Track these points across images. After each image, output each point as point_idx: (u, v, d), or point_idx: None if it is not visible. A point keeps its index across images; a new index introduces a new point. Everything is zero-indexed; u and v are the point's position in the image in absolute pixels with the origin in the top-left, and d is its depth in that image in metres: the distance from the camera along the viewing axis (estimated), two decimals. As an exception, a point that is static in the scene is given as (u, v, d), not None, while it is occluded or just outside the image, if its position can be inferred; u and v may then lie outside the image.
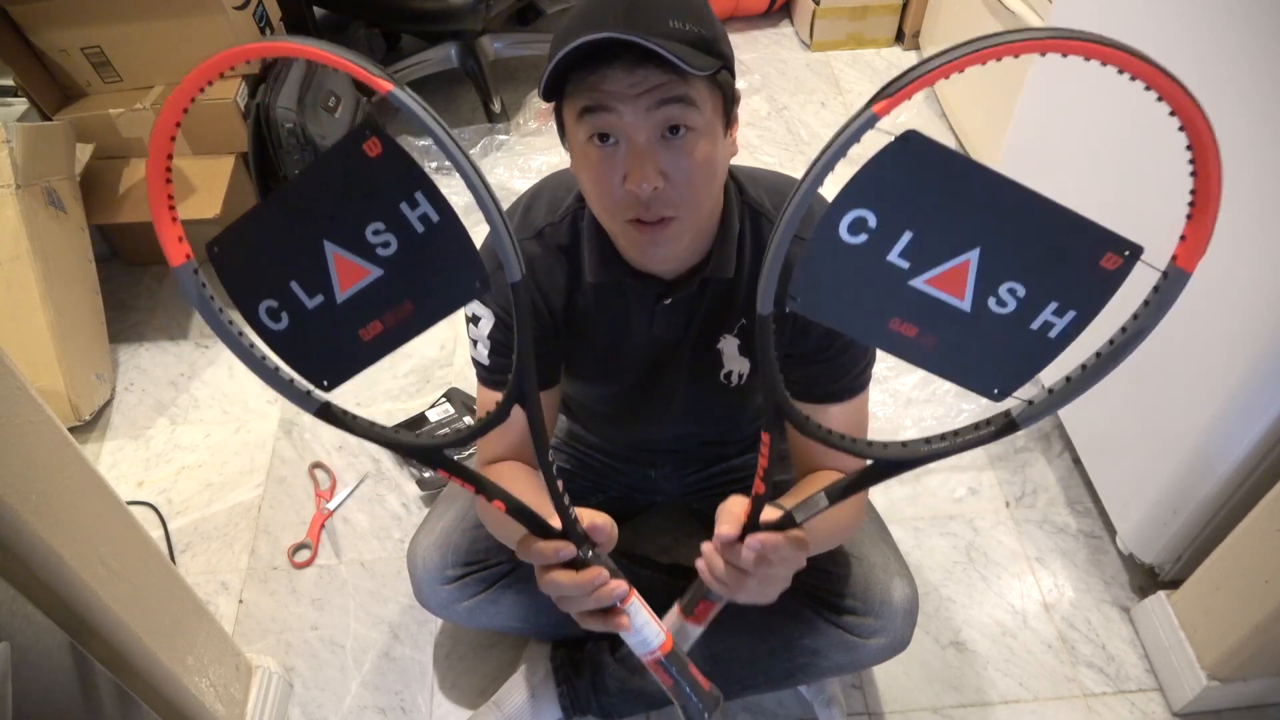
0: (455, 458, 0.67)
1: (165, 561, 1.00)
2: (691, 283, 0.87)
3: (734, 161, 0.84)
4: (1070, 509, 1.42)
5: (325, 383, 0.62)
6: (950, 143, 2.12)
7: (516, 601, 1.12)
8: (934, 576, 1.34)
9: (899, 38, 2.47)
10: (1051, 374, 0.56)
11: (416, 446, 0.65)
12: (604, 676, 1.13)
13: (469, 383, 1.65)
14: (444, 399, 1.61)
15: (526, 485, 0.85)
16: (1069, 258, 0.52)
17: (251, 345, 0.62)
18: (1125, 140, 1.20)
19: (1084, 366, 0.54)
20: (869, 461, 0.62)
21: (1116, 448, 1.30)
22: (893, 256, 0.53)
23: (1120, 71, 0.48)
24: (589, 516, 0.71)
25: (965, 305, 0.54)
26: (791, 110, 2.28)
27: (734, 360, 0.95)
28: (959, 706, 1.20)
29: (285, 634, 1.33)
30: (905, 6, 2.40)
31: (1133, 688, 1.21)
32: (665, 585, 1.22)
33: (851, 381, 0.89)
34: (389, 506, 1.48)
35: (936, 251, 0.53)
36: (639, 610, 0.72)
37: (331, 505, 1.48)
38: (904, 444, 0.61)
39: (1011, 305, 0.53)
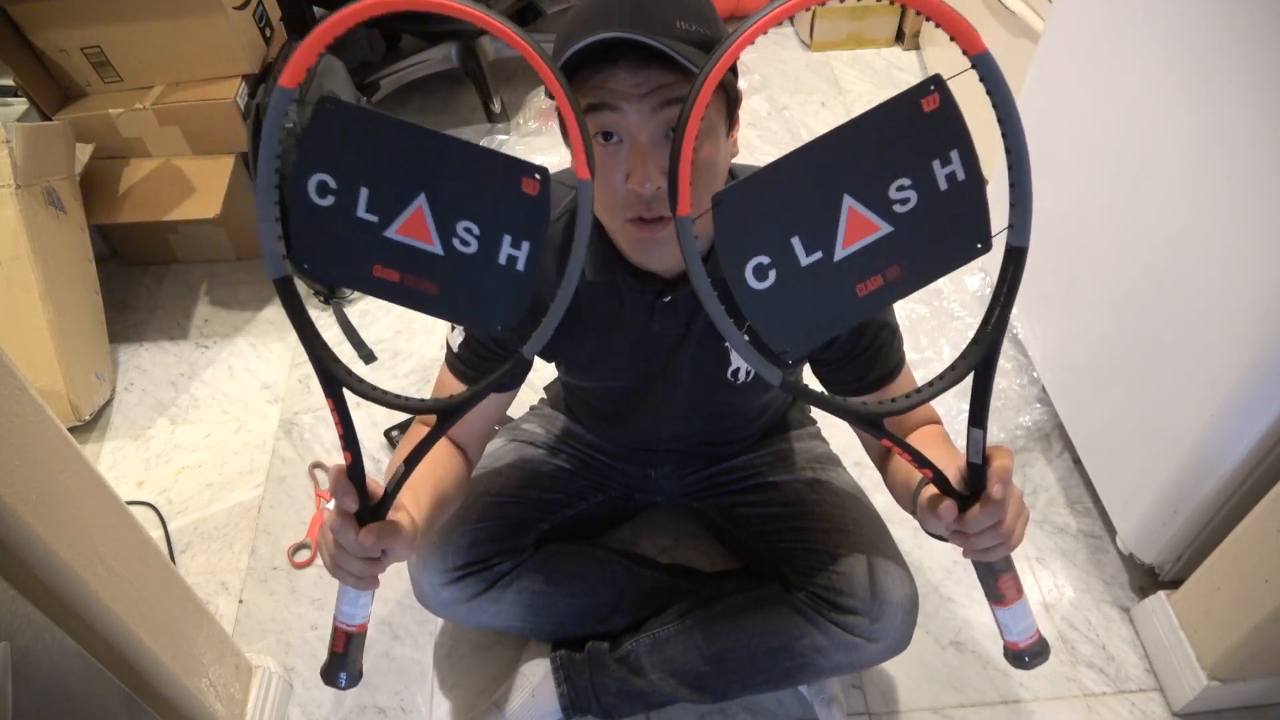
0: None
1: (165, 561, 0.99)
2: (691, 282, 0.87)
3: (734, 161, 0.85)
4: (1070, 509, 1.42)
5: (305, 266, 0.62)
6: (950, 143, 2.12)
7: (516, 601, 1.12)
8: (934, 576, 1.34)
9: (899, 38, 2.47)
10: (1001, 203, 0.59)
11: (325, 368, 0.66)
12: (604, 676, 1.13)
13: (469, 383, 1.65)
14: (444, 399, 1.61)
15: (430, 460, 0.89)
16: (905, 133, 0.56)
17: (276, 188, 0.61)
18: (1123, 139, 1.20)
19: (1009, 166, 0.57)
20: (971, 374, 0.65)
21: (1116, 448, 1.30)
22: (805, 260, 0.57)
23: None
24: (395, 512, 0.74)
25: (888, 228, 0.57)
26: (791, 110, 2.28)
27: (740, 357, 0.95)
28: (959, 706, 1.20)
29: (285, 634, 1.33)
30: (905, 6, 2.40)
31: (1133, 688, 1.21)
32: (665, 585, 1.22)
33: (894, 362, 0.93)
34: (389, 506, 1.48)
35: (826, 225, 0.56)
36: (370, 594, 0.77)
37: (332, 505, 1.47)
38: (976, 341, 0.63)
39: (913, 196, 0.57)
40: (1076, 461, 1.45)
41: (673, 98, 0.71)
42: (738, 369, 0.96)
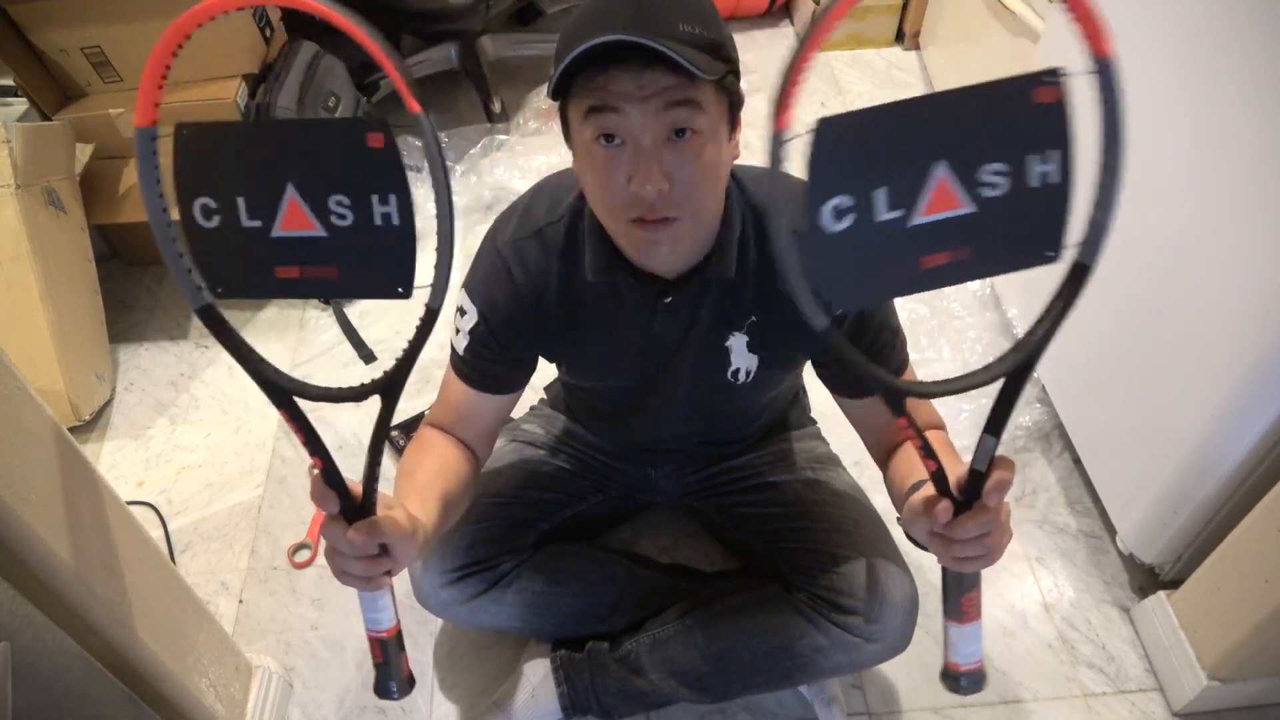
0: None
1: (165, 561, 1.00)
2: (692, 283, 0.87)
3: (736, 163, 0.85)
4: (1070, 509, 1.42)
5: (219, 289, 0.63)
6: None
7: (517, 602, 1.12)
8: (934, 577, 1.34)
9: (899, 38, 2.47)
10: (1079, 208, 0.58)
11: (270, 381, 0.65)
12: (604, 676, 1.13)
13: (469, 383, 1.65)
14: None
15: (427, 458, 0.92)
16: (1011, 116, 0.54)
17: (169, 225, 0.62)
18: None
19: (1101, 184, 0.57)
20: (1002, 380, 0.63)
21: (1116, 448, 1.30)
22: (883, 215, 0.55)
23: None
24: (389, 508, 0.73)
25: (970, 208, 0.55)
26: (791, 110, 2.28)
27: (742, 357, 0.95)
28: (959, 706, 1.20)
29: (285, 634, 1.33)
30: (905, 6, 2.40)
31: (1133, 688, 1.21)
32: (665, 585, 1.22)
33: (896, 364, 0.94)
34: (389, 506, 1.48)
35: (913, 186, 0.55)
36: (387, 594, 0.76)
37: (331, 505, 1.48)
38: (1016, 347, 0.62)
39: (1004, 184, 0.55)
40: (1076, 461, 1.45)
41: (675, 100, 0.71)
42: (738, 369, 0.96)
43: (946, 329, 1.65)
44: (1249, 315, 0.99)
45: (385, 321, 1.77)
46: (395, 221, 0.60)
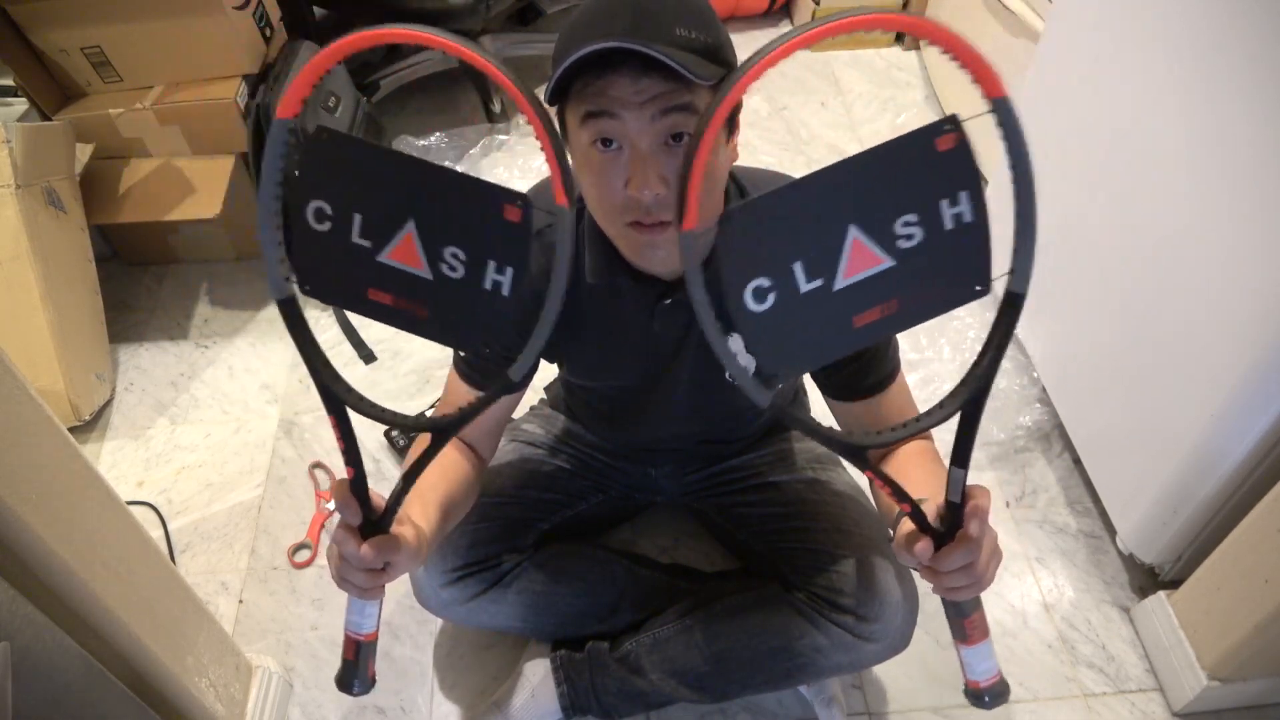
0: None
1: (165, 561, 0.99)
2: None
3: (736, 164, 0.85)
4: (1070, 509, 1.42)
5: (307, 287, 0.64)
6: (950, 143, 2.11)
7: (517, 601, 1.12)
8: (934, 576, 1.34)
9: (899, 38, 2.47)
10: (1005, 244, 0.59)
11: (327, 387, 0.69)
12: (604, 676, 1.13)
13: (469, 383, 1.65)
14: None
15: (439, 465, 0.91)
16: (914, 168, 0.56)
17: (277, 213, 0.62)
18: (1123, 139, 1.20)
19: (1017, 214, 0.56)
20: (958, 414, 0.64)
21: (1116, 448, 1.30)
22: (804, 287, 0.57)
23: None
24: (403, 528, 0.76)
25: (890, 262, 0.57)
26: (791, 110, 2.28)
27: (741, 357, 0.95)
28: (959, 706, 1.20)
29: (285, 634, 1.33)
30: (905, 7, 2.40)
31: (1133, 688, 1.21)
32: (665, 585, 1.22)
33: (888, 369, 0.93)
34: (389, 506, 1.48)
35: (830, 253, 0.56)
36: (376, 604, 0.79)
37: (332, 505, 1.48)
38: (964, 382, 0.63)
39: (919, 233, 0.57)
40: (1076, 461, 1.45)
41: (672, 105, 0.71)
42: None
43: (946, 329, 1.65)
44: (1249, 315, 0.99)
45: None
46: (504, 293, 0.61)
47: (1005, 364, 1.62)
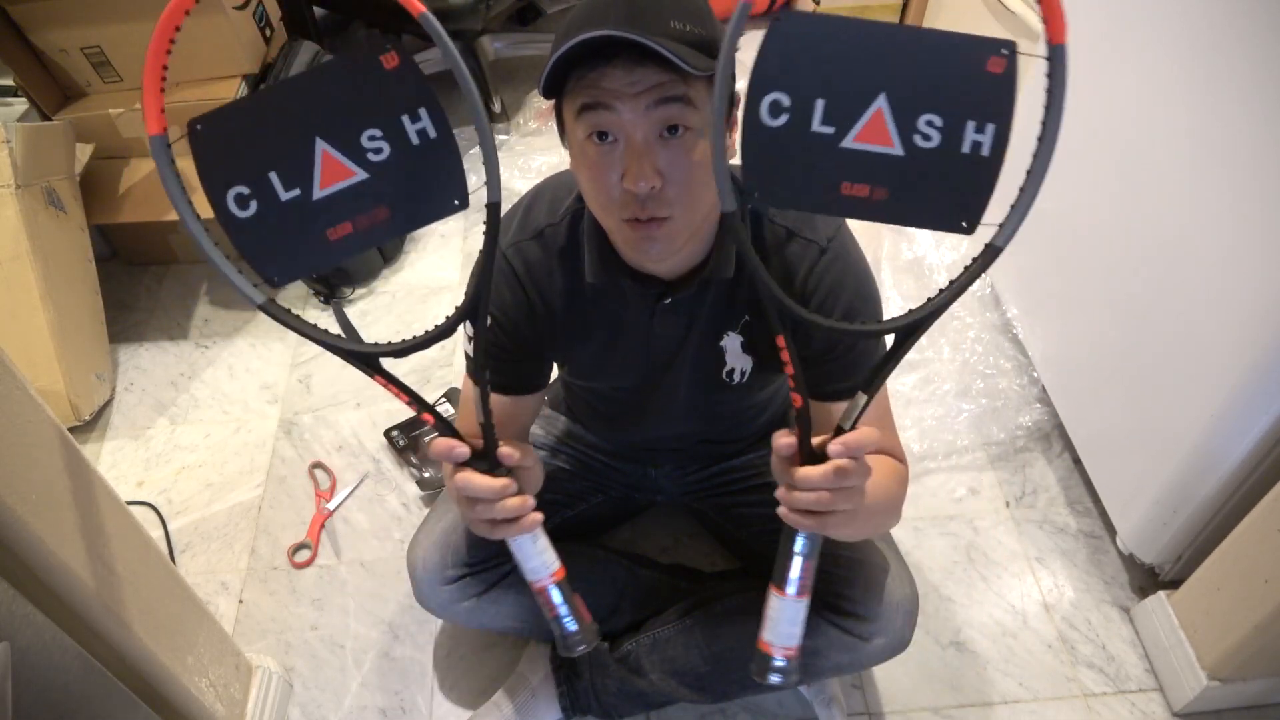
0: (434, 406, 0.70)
1: (165, 561, 1.00)
2: (691, 283, 0.87)
3: (733, 161, 0.84)
4: (1070, 509, 1.42)
5: (275, 278, 0.64)
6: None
7: (517, 602, 1.12)
8: (934, 576, 1.34)
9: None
10: (1002, 194, 0.59)
11: (352, 350, 0.69)
12: (604, 677, 1.13)
13: (469, 383, 1.65)
14: (444, 399, 1.61)
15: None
16: (960, 75, 0.55)
17: (208, 229, 0.62)
18: (1124, 139, 1.20)
19: (1029, 172, 0.58)
20: (893, 334, 0.64)
21: (1116, 448, 1.30)
22: (816, 126, 0.56)
23: None
24: (513, 450, 0.76)
25: (898, 150, 0.56)
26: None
27: (736, 358, 0.95)
28: (959, 706, 1.20)
29: (285, 634, 1.33)
30: (905, 7, 2.40)
31: (1133, 688, 1.21)
32: (665, 585, 1.22)
33: (858, 380, 0.89)
34: (389, 506, 1.48)
35: (851, 109, 0.55)
36: (541, 536, 0.77)
37: (331, 505, 1.48)
38: (911, 310, 0.63)
39: (936, 137, 0.56)
40: (1076, 461, 1.45)
41: (667, 96, 0.71)
42: (733, 369, 0.96)
43: (946, 329, 1.65)
44: (1249, 315, 0.99)
45: (385, 322, 1.78)
46: (432, 135, 0.60)
47: (1005, 364, 1.63)
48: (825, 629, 1.03)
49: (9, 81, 1.87)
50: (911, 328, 0.64)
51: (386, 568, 1.39)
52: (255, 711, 1.14)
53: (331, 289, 1.83)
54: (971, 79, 0.55)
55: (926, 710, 1.20)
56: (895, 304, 1.68)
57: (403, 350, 0.68)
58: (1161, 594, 1.22)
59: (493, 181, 0.63)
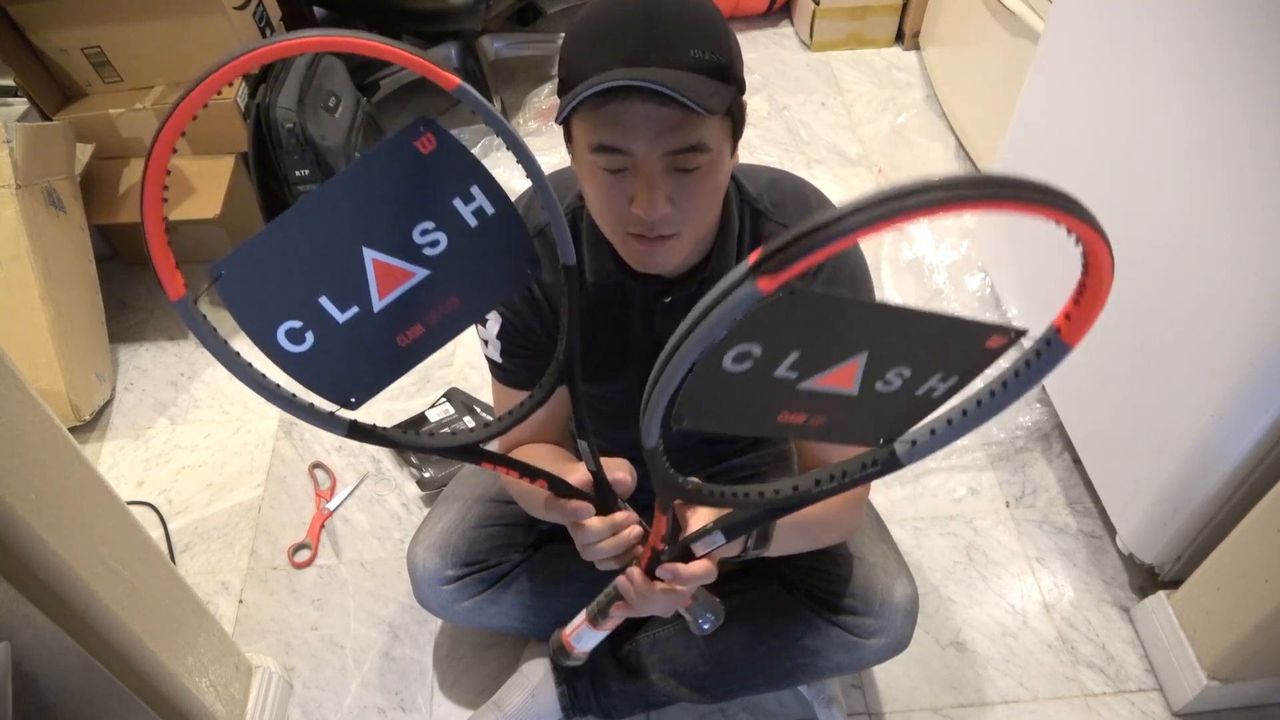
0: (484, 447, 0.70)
1: (165, 561, 0.99)
2: (692, 282, 0.87)
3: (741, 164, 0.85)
4: (1070, 509, 1.42)
5: (353, 400, 0.58)
6: (950, 143, 2.12)
7: (516, 602, 1.12)
8: (934, 576, 1.34)
9: (899, 38, 2.47)
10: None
11: (455, 446, 0.66)
12: (604, 677, 1.13)
13: (469, 383, 1.65)
14: (444, 399, 1.61)
15: (548, 457, 0.94)
16: (954, 346, 0.51)
17: (264, 376, 0.57)
18: (1124, 140, 1.20)
19: (964, 412, 0.53)
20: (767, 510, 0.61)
21: (1116, 448, 1.30)
22: (780, 372, 0.51)
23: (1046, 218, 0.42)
24: (611, 469, 0.78)
25: (853, 391, 0.52)
26: (791, 110, 2.28)
27: None
28: (959, 706, 1.20)
29: (285, 634, 1.33)
30: (905, 6, 2.40)
31: (1133, 688, 1.21)
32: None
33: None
34: (389, 506, 1.48)
35: (824, 361, 0.51)
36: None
37: (331, 505, 1.48)
38: (794, 486, 0.59)
39: (897, 384, 0.52)
40: (1076, 461, 1.45)
41: (681, 147, 0.70)
42: None
43: (946, 329, 1.64)
44: (1249, 315, 0.99)
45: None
46: (490, 211, 0.55)
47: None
48: (825, 629, 1.03)
49: (9, 81, 1.87)
50: (781, 508, 0.60)
51: (386, 568, 1.39)
52: (255, 711, 1.14)
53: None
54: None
55: (926, 710, 1.20)
56: (895, 301, 1.68)
57: (499, 432, 0.67)
58: (1161, 594, 1.22)
59: (563, 243, 0.60)
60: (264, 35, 1.85)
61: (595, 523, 0.76)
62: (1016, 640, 1.27)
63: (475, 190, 0.53)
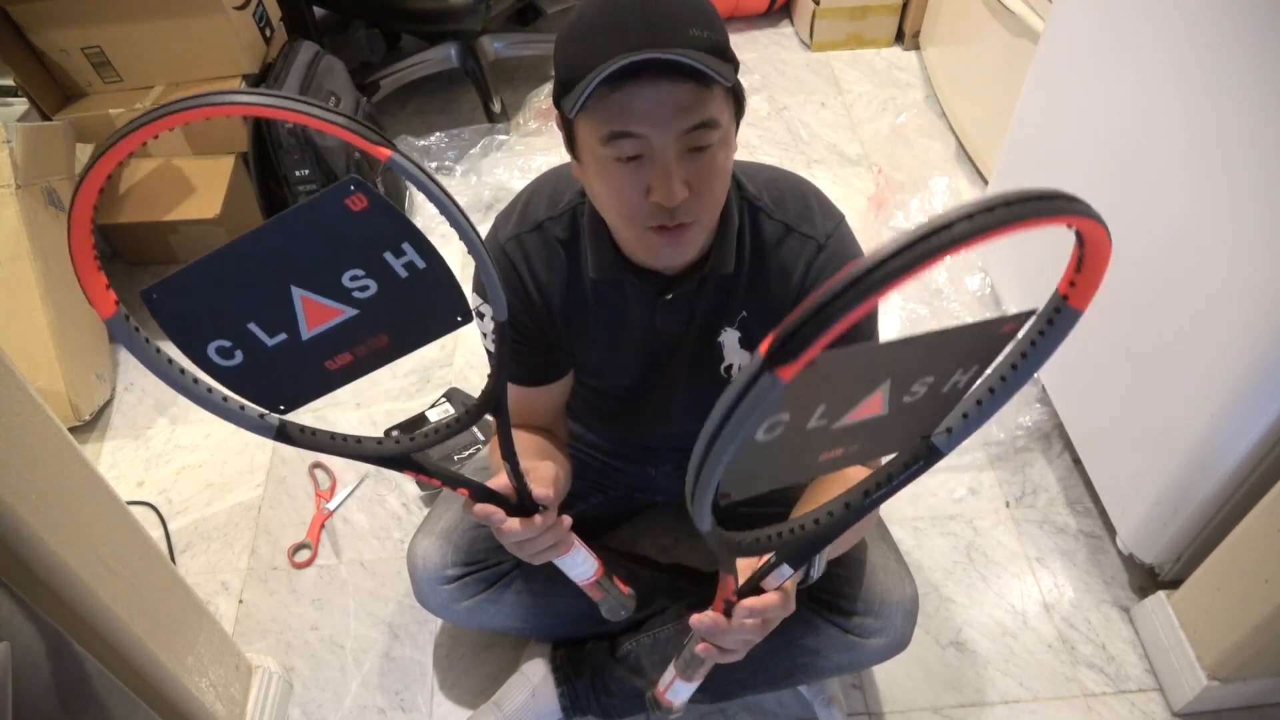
0: (457, 459, 0.70)
1: (165, 561, 0.99)
2: (692, 278, 0.87)
3: (737, 158, 0.85)
4: (1070, 509, 1.42)
5: (282, 407, 0.62)
6: (950, 143, 2.12)
7: (516, 601, 1.12)
8: (934, 576, 1.34)
9: (899, 38, 2.47)
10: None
11: (384, 455, 0.68)
12: (604, 677, 1.13)
13: (469, 383, 1.65)
14: (444, 399, 1.61)
15: (528, 447, 0.96)
16: (970, 345, 0.52)
17: (196, 380, 0.61)
18: (1123, 139, 1.20)
19: (991, 390, 0.56)
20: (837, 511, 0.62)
21: (1116, 448, 1.30)
22: (812, 424, 0.52)
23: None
24: (535, 485, 0.81)
25: (884, 413, 0.53)
26: (791, 110, 2.28)
27: (734, 353, 0.95)
28: (959, 706, 1.20)
29: (285, 634, 1.33)
30: (905, 6, 2.40)
31: (1133, 688, 1.21)
32: (665, 585, 1.22)
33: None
34: (389, 506, 1.48)
35: (850, 401, 0.52)
36: (579, 548, 0.86)
37: (331, 505, 1.48)
38: (846, 504, 0.61)
39: (923, 392, 0.53)
40: (1076, 461, 1.45)
41: (696, 124, 0.71)
42: (730, 365, 0.97)
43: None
44: (1249, 315, 0.99)
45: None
46: (421, 265, 0.56)
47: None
48: (825, 629, 1.03)
49: (9, 81, 1.87)
50: (836, 530, 0.62)
51: (386, 568, 1.39)
52: (255, 711, 1.14)
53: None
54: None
55: (926, 710, 1.20)
56: (895, 302, 1.68)
57: (429, 445, 0.70)
58: (1161, 594, 1.22)
59: (497, 301, 0.62)
60: (264, 35, 1.85)
61: (514, 524, 0.79)
62: (1016, 640, 1.27)
63: (406, 247, 0.56)
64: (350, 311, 0.57)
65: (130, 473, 1.56)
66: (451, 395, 1.61)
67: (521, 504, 0.80)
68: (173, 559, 1.43)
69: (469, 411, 0.71)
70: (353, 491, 1.50)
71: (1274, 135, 0.94)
